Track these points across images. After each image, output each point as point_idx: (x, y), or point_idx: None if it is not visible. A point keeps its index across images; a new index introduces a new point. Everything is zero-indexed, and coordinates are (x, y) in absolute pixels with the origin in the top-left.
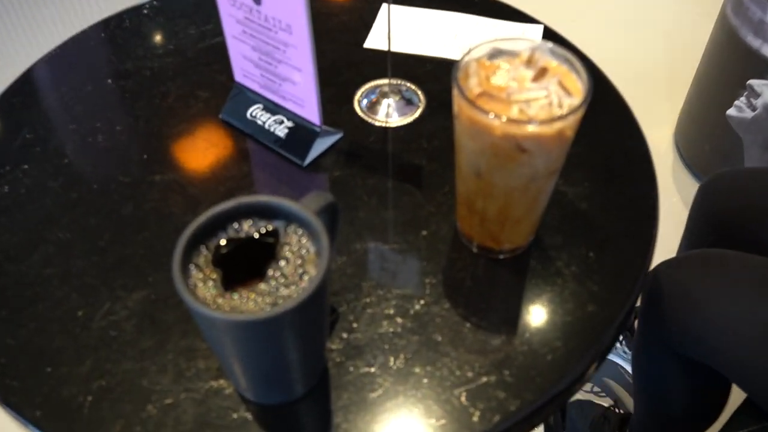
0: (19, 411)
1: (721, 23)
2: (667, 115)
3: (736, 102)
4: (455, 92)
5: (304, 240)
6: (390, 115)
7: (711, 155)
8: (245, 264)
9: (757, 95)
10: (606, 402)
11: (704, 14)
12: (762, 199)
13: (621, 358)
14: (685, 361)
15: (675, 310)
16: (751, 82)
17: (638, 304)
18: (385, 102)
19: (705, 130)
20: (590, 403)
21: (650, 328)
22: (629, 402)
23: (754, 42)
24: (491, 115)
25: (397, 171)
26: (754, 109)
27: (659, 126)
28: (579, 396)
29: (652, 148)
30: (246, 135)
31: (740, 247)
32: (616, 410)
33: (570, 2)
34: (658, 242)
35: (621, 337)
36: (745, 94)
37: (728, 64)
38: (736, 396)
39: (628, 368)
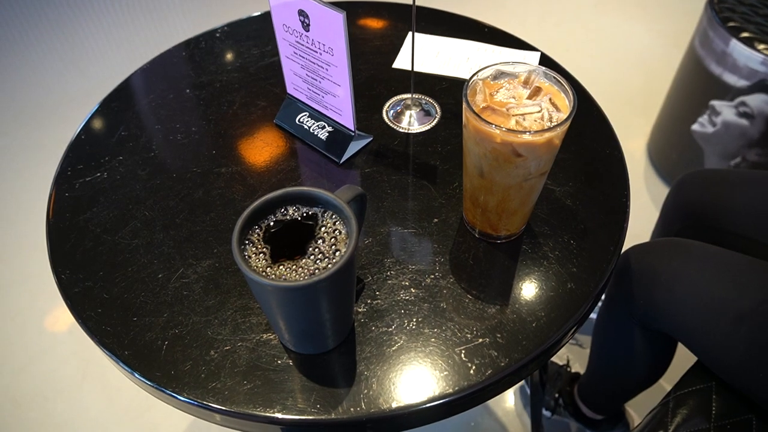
0: (111, 351)
1: (690, 53)
2: (641, 129)
3: (700, 119)
4: (464, 106)
5: (337, 223)
6: (412, 123)
7: (677, 163)
8: (290, 241)
9: (718, 114)
10: (560, 362)
11: (674, 45)
12: (725, 196)
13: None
14: (644, 331)
15: (643, 286)
16: (713, 102)
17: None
18: (408, 113)
19: (673, 142)
20: (549, 360)
21: (618, 300)
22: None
23: (717, 69)
24: (493, 126)
25: (416, 169)
26: (714, 125)
27: (635, 138)
28: None
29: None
30: (294, 137)
31: (703, 236)
32: (568, 368)
33: (564, 34)
34: (632, 235)
35: None
36: (708, 112)
37: (694, 87)
38: (687, 360)
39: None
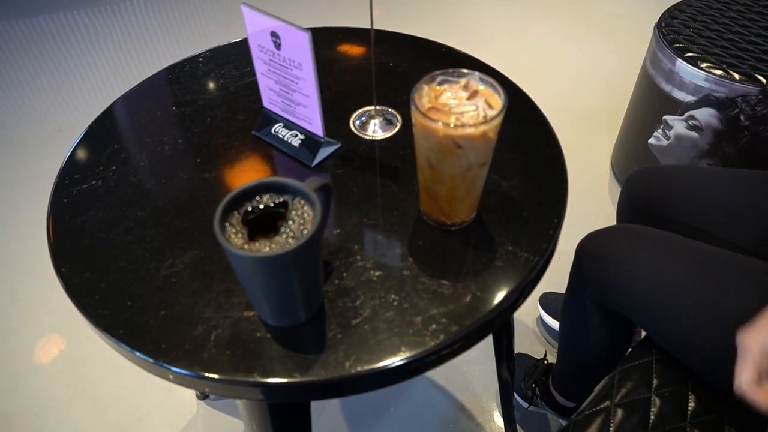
0: (108, 331)
1: (642, 73)
2: (605, 145)
3: (655, 133)
4: (412, 107)
5: (305, 207)
6: (376, 131)
7: None
8: (264, 224)
9: (671, 128)
10: (538, 356)
11: (632, 66)
12: (670, 189)
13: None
14: (602, 311)
15: (599, 269)
16: (666, 117)
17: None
18: (372, 122)
19: (633, 155)
20: (527, 355)
21: (577, 284)
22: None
23: (667, 87)
24: (438, 123)
25: (380, 171)
26: (668, 138)
27: (600, 153)
28: (520, 350)
29: (594, 170)
30: (271, 145)
31: (653, 224)
32: (545, 361)
33: (531, 58)
34: None
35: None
36: (662, 127)
37: (648, 104)
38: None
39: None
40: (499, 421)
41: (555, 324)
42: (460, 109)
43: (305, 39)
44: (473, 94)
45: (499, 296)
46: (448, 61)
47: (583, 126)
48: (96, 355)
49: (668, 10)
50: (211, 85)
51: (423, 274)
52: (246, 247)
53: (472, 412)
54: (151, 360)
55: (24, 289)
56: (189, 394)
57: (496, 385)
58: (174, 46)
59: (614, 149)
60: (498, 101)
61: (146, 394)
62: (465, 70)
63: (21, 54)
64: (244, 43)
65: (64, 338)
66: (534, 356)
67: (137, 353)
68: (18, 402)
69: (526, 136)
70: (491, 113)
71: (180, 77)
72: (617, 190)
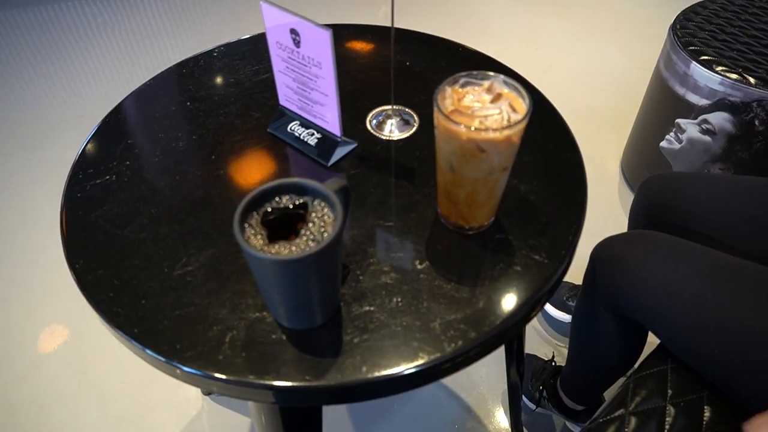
0: (123, 330)
1: (656, 75)
2: (616, 147)
3: (667, 136)
4: (435, 109)
5: (325, 210)
6: (392, 131)
7: None
8: (284, 226)
9: (683, 131)
10: (546, 356)
11: (644, 68)
12: (684, 196)
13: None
14: (615, 317)
15: (612, 273)
16: (678, 120)
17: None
18: (389, 122)
19: (644, 158)
20: (535, 356)
21: (591, 289)
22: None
23: (680, 90)
24: (461, 126)
25: (396, 171)
26: (680, 142)
27: (610, 155)
28: (527, 349)
29: (604, 172)
30: (286, 143)
31: (667, 230)
32: (553, 363)
33: (543, 57)
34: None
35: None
36: (674, 130)
37: (661, 107)
38: (651, 345)
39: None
40: (505, 423)
41: (559, 315)
42: (483, 112)
43: (326, 37)
44: (497, 97)
45: (518, 303)
46: (465, 60)
47: (593, 127)
48: (101, 348)
49: (683, 12)
50: (226, 81)
51: (440, 278)
52: (266, 249)
53: (478, 413)
54: (167, 361)
55: (30, 279)
56: (195, 390)
57: (503, 386)
58: (181, 37)
59: (624, 151)
60: (522, 105)
61: (152, 388)
62: (490, 73)
63: (26, 43)
64: (259, 38)
65: (70, 330)
66: (541, 357)
67: (151, 352)
68: (23, 393)
69: (545, 139)
70: (515, 117)
71: (194, 72)
72: (627, 192)
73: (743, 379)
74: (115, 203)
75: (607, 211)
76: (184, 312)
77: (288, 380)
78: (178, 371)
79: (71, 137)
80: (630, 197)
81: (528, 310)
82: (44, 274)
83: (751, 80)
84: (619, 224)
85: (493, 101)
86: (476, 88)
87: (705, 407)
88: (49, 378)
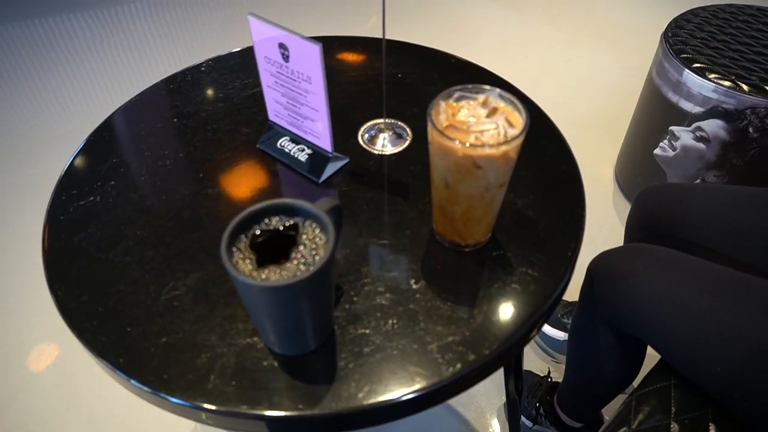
0: (107, 359)
1: (648, 83)
2: (609, 155)
3: (661, 144)
4: (429, 125)
5: (317, 231)
6: (385, 145)
7: (642, 186)
8: (274, 249)
9: (677, 138)
10: (542, 372)
11: (636, 76)
12: (681, 206)
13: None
14: (614, 333)
15: (610, 288)
16: (672, 128)
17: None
18: (381, 136)
19: (638, 166)
20: (531, 372)
21: (588, 304)
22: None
23: (673, 97)
24: (456, 142)
25: (390, 187)
26: (674, 149)
27: (603, 163)
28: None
29: (598, 181)
30: (276, 160)
31: (664, 242)
32: (549, 379)
33: (535, 65)
34: (600, 249)
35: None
36: (668, 137)
37: (654, 114)
38: (649, 360)
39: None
40: None
41: (554, 333)
42: (479, 127)
43: (316, 52)
44: (492, 112)
45: (517, 322)
46: (457, 71)
47: (586, 135)
48: (91, 369)
49: (675, 20)
50: (214, 96)
51: (437, 298)
52: (255, 274)
53: (477, 427)
54: (153, 392)
55: (18, 299)
56: None
57: (501, 400)
58: (172, 51)
59: (618, 159)
60: (519, 119)
61: (142, 410)
62: (485, 86)
63: (15, 57)
64: (247, 52)
65: (59, 351)
66: (537, 372)
67: (137, 383)
68: (12, 418)
69: (541, 152)
70: (512, 132)
71: (181, 87)
72: (621, 200)
73: (744, 394)
74: (99, 226)
75: (601, 220)
76: (171, 339)
77: (281, 409)
78: (165, 402)
79: (60, 153)
80: (624, 205)
81: (528, 329)
82: (33, 293)
83: (745, 87)
84: (614, 232)
85: (488, 116)
86: (471, 102)
87: (710, 424)
88: (38, 400)
